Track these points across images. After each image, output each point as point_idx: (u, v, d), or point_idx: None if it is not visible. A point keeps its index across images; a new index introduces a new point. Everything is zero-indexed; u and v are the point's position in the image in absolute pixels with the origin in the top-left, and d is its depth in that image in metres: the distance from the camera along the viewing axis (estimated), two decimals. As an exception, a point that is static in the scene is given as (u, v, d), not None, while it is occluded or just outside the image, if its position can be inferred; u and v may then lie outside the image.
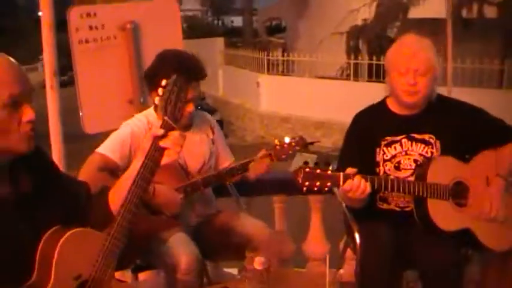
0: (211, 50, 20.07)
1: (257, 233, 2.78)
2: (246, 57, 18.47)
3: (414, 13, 14.54)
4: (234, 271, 3.62)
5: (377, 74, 14.18)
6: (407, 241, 2.66)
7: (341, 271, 3.13)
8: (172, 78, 1.95)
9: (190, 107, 2.64)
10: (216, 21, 39.38)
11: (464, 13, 13.82)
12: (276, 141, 2.99)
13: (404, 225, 2.70)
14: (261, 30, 26.34)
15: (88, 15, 3.76)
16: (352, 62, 15.30)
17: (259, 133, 16.20)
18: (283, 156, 2.95)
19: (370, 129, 2.83)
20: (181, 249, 2.55)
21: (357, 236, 2.71)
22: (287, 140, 2.99)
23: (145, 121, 2.77)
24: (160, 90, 1.93)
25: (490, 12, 14.14)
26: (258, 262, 1.95)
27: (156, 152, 1.88)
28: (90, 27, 3.77)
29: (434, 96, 2.82)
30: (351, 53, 16.19)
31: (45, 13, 3.55)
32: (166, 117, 1.90)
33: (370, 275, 2.58)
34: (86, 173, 2.54)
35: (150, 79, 2.76)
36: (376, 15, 15.97)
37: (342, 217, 3.08)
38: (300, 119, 14.98)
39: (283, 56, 17.13)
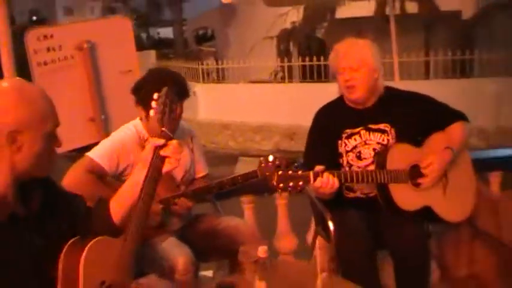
0: (144, 63, 19.85)
1: (240, 230, 2.98)
2: (179, 68, 18.51)
3: (341, 13, 15.00)
4: (209, 273, 3.76)
5: (310, 74, 14.56)
6: (376, 224, 2.93)
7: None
8: (164, 91, 2.11)
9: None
10: (141, 34, 39.14)
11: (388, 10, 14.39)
12: (261, 159, 3.13)
13: (371, 209, 2.96)
14: (191, 40, 26.38)
15: (45, 37, 3.84)
16: (286, 64, 15.57)
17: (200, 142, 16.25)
18: (267, 174, 3.10)
19: (331, 124, 3.09)
20: (176, 251, 2.70)
21: (330, 224, 2.93)
22: (271, 158, 3.13)
23: (135, 131, 2.91)
24: (154, 103, 2.08)
25: (412, 8, 14.77)
26: (261, 251, 2.13)
27: (158, 160, 2.02)
28: (48, 49, 3.86)
29: (382, 90, 3.10)
30: (282, 56, 16.54)
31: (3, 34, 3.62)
32: (164, 128, 2.05)
33: (347, 258, 2.82)
34: (74, 174, 2.66)
35: (139, 94, 2.88)
36: (304, 17, 16.37)
37: (311, 209, 3.30)
38: (239, 125, 15.12)
39: (217, 64, 17.27)
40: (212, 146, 14.20)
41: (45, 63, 3.85)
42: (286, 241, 3.92)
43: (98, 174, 2.73)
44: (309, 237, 3.88)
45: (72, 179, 2.63)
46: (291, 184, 2.58)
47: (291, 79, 15.73)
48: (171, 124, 2.07)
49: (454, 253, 3.79)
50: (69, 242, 1.88)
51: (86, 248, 1.84)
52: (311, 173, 2.63)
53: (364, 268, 2.79)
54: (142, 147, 2.84)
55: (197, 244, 2.91)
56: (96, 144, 2.97)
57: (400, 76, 12.78)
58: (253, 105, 14.86)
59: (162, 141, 2.03)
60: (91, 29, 4.10)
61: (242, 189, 3.72)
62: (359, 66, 2.97)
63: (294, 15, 16.31)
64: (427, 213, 2.99)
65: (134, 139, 2.88)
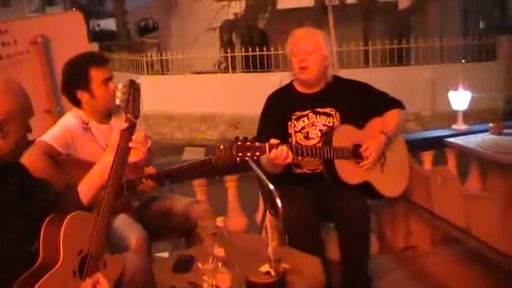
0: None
1: (194, 208, 3.22)
2: (123, 60, 18.45)
3: (281, 4, 15.28)
4: (165, 254, 3.96)
5: (253, 64, 14.80)
6: (321, 198, 3.23)
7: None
8: (127, 82, 2.34)
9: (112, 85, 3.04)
10: (81, 26, 38.35)
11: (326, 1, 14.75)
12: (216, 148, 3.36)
13: (317, 184, 3.27)
14: (133, 32, 26.17)
15: (0, 32, 3.96)
16: (229, 55, 15.74)
17: (147, 134, 16.26)
18: (221, 161, 3.30)
19: (282, 106, 3.38)
20: (129, 230, 2.91)
21: (278, 201, 3.20)
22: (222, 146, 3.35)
23: (77, 115, 3.13)
24: (118, 93, 2.31)
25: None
26: (219, 220, 2.37)
27: (125, 144, 2.24)
28: (3, 44, 3.94)
29: (330, 77, 3.40)
30: (225, 46, 16.70)
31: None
32: (129, 115, 2.28)
33: (294, 231, 3.10)
34: (30, 157, 2.74)
35: (72, 80, 3.11)
36: (246, 8, 16.60)
37: (259, 187, 3.59)
38: (185, 115, 15.26)
39: (160, 55, 17.29)
40: (158, 137, 14.29)
41: (1, 58, 3.94)
42: (236, 220, 4.20)
43: (51, 153, 2.92)
44: (258, 216, 4.18)
45: (29, 162, 2.78)
46: (248, 154, 2.81)
47: (234, 69, 15.88)
48: (135, 111, 2.30)
49: (392, 227, 4.15)
50: (48, 218, 2.07)
51: (65, 221, 2.04)
52: (267, 145, 2.89)
53: (310, 239, 3.07)
54: (85, 129, 3.10)
55: (153, 223, 3.12)
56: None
57: (341, 64, 13.17)
58: (197, 96, 15.00)
59: (126, 125, 2.25)
60: (45, 23, 4.21)
61: (192, 175, 3.99)
62: (313, 50, 3.28)
63: (236, 7, 16.50)
64: (367, 189, 3.31)
65: (78, 122, 3.10)
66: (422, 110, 13.04)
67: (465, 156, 4.42)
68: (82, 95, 3.10)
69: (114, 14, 26.15)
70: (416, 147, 4.48)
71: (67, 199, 2.28)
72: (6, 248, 1.97)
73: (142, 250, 2.87)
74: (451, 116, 5.12)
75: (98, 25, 40.02)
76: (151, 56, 17.56)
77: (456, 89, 4.77)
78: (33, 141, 2.89)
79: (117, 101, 2.31)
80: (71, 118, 3.13)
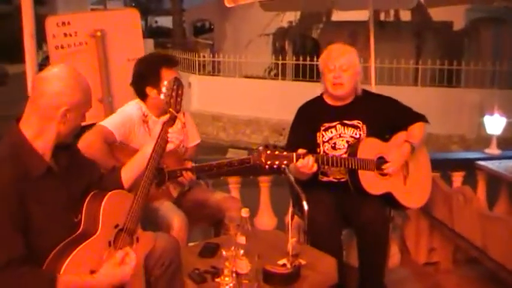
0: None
1: (227, 202, 3.45)
2: (176, 58, 18.81)
3: (337, 16, 15.41)
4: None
5: (303, 73, 14.98)
6: (344, 205, 3.41)
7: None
8: (172, 79, 2.60)
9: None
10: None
11: (382, 16, 14.84)
12: (255, 149, 3.57)
13: (341, 193, 3.45)
14: (189, 31, 26.65)
15: (63, 23, 4.25)
16: (280, 62, 15.93)
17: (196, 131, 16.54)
18: (258, 162, 3.52)
19: (312, 117, 3.58)
20: (172, 213, 3.17)
21: (304, 203, 3.41)
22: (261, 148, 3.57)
23: (139, 107, 3.39)
24: (164, 89, 2.59)
25: (405, 15, 15.24)
26: (244, 211, 2.59)
27: (164, 134, 2.52)
28: (65, 34, 4.26)
29: (360, 91, 3.59)
30: (277, 53, 16.95)
31: (27, 23, 4.02)
32: (170, 109, 2.54)
33: (317, 232, 3.28)
34: (88, 138, 3.08)
35: (148, 77, 3.36)
36: (301, 18, 16.80)
37: (289, 190, 3.79)
38: (231, 118, 15.53)
39: (213, 56, 17.61)
40: (203, 136, 14.52)
41: (62, 47, 4.26)
42: (266, 219, 4.40)
43: (108, 140, 3.19)
44: (287, 219, 4.38)
45: (86, 142, 3.06)
46: (276, 162, 3.02)
47: (284, 76, 16.11)
48: (176, 106, 2.56)
49: (416, 241, 4.29)
50: (92, 193, 2.34)
51: (107, 196, 2.30)
52: (294, 154, 3.09)
53: (330, 242, 3.23)
54: (144, 121, 3.34)
55: (189, 211, 3.34)
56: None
57: (389, 81, 13.24)
58: (245, 99, 15.30)
59: (167, 117, 2.54)
60: (104, 18, 4.51)
61: (231, 171, 4.21)
62: (348, 67, 3.47)
63: (291, 15, 16.72)
64: (389, 200, 3.48)
65: (139, 114, 3.36)
66: (467, 133, 13.00)
67: (496, 180, 4.52)
68: (150, 91, 3.36)
69: (171, 12, 26.59)
70: (448, 166, 4.61)
71: (110, 180, 2.56)
72: (54, 216, 2.22)
73: (184, 232, 3.14)
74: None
75: (156, 22, 40.85)
76: (204, 57, 17.89)
77: (492, 114, 4.87)
78: (91, 125, 3.18)
79: (162, 96, 2.56)
80: (132, 108, 3.39)
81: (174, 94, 2.57)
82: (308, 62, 14.84)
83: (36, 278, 2.07)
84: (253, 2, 4.43)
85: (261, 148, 3.44)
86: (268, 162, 3.02)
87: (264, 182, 4.40)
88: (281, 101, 14.37)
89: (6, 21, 36.74)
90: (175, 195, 3.42)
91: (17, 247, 2.05)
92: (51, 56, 4.22)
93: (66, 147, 2.37)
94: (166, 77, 3.28)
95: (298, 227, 3.74)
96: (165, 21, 35.08)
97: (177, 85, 2.60)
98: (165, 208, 3.22)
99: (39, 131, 2.21)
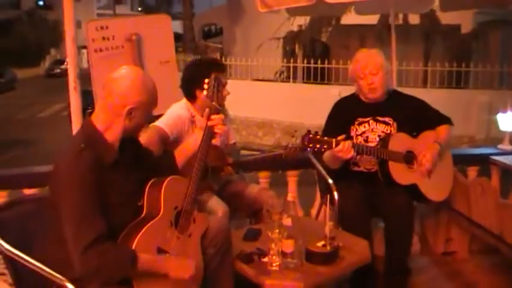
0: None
1: (263, 194, 3.72)
2: (187, 62, 18.95)
3: (346, 20, 15.60)
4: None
5: (314, 76, 15.19)
6: (373, 194, 3.68)
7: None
8: (212, 76, 2.90)
9: (226, 92, 3.40)
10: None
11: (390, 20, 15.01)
12: (286, 145, 3.79)
13: (370, 183, 3.73)
14: (198, 35, 26.88)
15: (102, 28, 4.45)
16: (290, 65, 16.16)
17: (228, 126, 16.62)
18: (289, 156, 3.82)
19: (347, 112, 3.87)
20: (217, 204, 3.44)
21: (335, 193, 3.67)
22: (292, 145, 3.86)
23: (187, 108, 3.65)
24: (205, 85, 2.89)
25: (414, 19, 15.45)
26: (290, 196, 2.86)
27: (209, 125, 2.82)
28: (103, 38, 4.46)
29: (390, 90, 3.90)
30: (287, 56, 17.19)
31: (68, 28, 4.27)
32: (214, 103, 2.84)
33: (347, 223, 3.54)
34: (147, 136, 3.30)
35: (196, 80, 3.57)
36: (311, 21, 17.03)
37: (318, 181, 4.06)
38: (244, 120, 15.72)
39: (225, 60, 17.82)
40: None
41: (101, 50, 4.46)
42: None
43: (163, 139, 3.46)
44: (313, 211, 4.64)
45: (145, 140, 3.31)
46: (317, 146, 3.31)
47: (294, 79, 16.33)
48: (219, 100, 2.87)
49: (434, 232, 4.53)
50: (152, 180, 2.61)
51: (165, 182, 2.58)
52: (334, 140, 3.37)
53: (361, 230, 3.46)
54: (192, 122, 3.60)
55: (229, 202, 3.58)
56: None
57: (399, 83, 13.39)
58: (257, 102, 15.49)
59: (208, 110, 2.84)
60: (139, 23, 4.73)
61: (261, 166, 4.49)
62: (378, 70, 3.74)
63: (301, 19, 16.91)
64: (414, 193, 3.74)
65: (187, 115, 3.62)
66: (476, 134, 13.20)
67: (509, 174, 4.76)
68: (200, 94, 3.59)
69: (180, 17, 26.76)
70: (463, 161, 4.86)
71: (166, 163, 2.88)
72: (123, 200, 2.50)
73: (226, 218, 3.39)
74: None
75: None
76: (216, 60, 18.00)
77: (505, 111, 5.12)
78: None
79: (204, 92, 2.87)
80: (181, 109, 3.65)
81: (215, 90, 2.87)
82: (319, 65, 15.05)
83: (120, 253, 2.36)
84: (285, 7, 4.65)
85: (290, 145, 3.74)
86: (310, 145, 3.29)
87: (292, 176, 4.66)
88: (292, 103, 14.58)
89: (15, 26, 37.18)
90: (216, 188, 3.69)
91: (100, 226, 2.33)
92: (90, 58, 4.45)
93: (131, 140, 2.65)
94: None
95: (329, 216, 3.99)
96: (173, 26, 35.35)
97: (218, 83, 2.90)
98: (211, 200, 3.49)
99: (108, 125, 2.49)
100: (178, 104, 3.71)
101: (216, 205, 3.41)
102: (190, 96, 3.67)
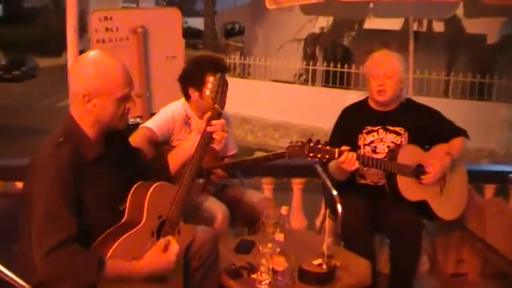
0: (171, 51, 20.38)
1: (261, 202, 3.50)
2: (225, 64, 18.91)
3: (368, 24, 15.38)
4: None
5: (333, 80, 14.99)
6: (379, 209, 3.43)
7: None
8: (218, 75, 2.64)
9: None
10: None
11: (415, 26, 14.79)
12: (289, 142, 3.61)
13: (377, 197, 3.48)
14: (220, 33, 26.82)
15: (106, 18, 4.27)
16: (310, 68, 15.98)
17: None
18: (293, 156, 3.54)
19: (355, 119, 3.62)
20: (216, 206, 3.25)
21: (339, 206, 3.44)
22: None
23: (182, 109, 3.44)
24: (209, 85, 2.63)
25: (439, 27, 15.17)
26: (283, 209, 2.63)
27: (208, 131, 2.57)
28: (107, 29, 4.28)
29: (403, 99, 3.61)
30: (307, 59, 16.99)
31: (70, 17, 4.09)
32: (216, 105, 2.58)
33: (350, 235, 3.31)
34: (134, 139, 3.11)
35: (193, 77, 3.41)
36: (333, 24, 16.82)
37: (323, 192, 3.82)
38: (260, 121, 15.59)
39: (244, 59, 17.68)
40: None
41: (103, 41, 4.29)
42: (297, 220, 4.42)
43: (152, 141, 3.25)
44: (318, 221, 4.41)
45: (132, 141, 3.12)
46: (319, 155, 3.08)
47: (313, 82, 16.17)
48: (221, 102, 2.60)
49: (445, 251, 4.28)
50: (137, 183, 2.40)
51: (151, 188, 2.36)
52: (337, 150, 3.14)
53: (363, 247, 3.25)
54: (186, 122, 3.39)
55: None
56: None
57: (420, 92, 13.17)
58: (274, 103, 15.30)
59: (210, 113, 2.60)
60: (145, 15, 4.54)
61: (265, 171, 4.26)
62: (392, 74, 3.48)
63: (323, 21, 16.72)
64: (423, 209, 3.49)
65: (181, 115, 3.41)
66: (497, 148, 12.91)
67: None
68: (193, 93, 3.41)
69: (203, 14, 26.78)
70: (480, 178, 4.60)
71: (158, 168, 2.66)
72: (102, 201, 2.29)
73: (226, 223, 3.23)
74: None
75: (186, 22, 41.12)
76: (234, 59, 17.96)
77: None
78: (134, 125, 3.26)
79: (207, 92, 2.61)
80: (175, 109, 3.45)
81: (219, 90, 2.62)
82: (339, 69, 14.87)
83: (87, 257, 2.14)
84: (295, 4, 4.44)
85: (294, 142, 3.49)
86: (311, 155, 3.08)
87: (297, 184, 4.44)
88: (310, 106, 14.40)
89: (39, 16, 37.39)
90: (211, 190, 3.48)
91: (71, 228, 2.13)
92: (92, 49, 4.27)
93: (119, 137, 2.46)
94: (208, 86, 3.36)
95: (330, 230, 3.77)
96: (196, 23, 35.37)
97: (223, 83, 2.64)
98: (208, 201, 3.30)
99: (79, 117, 2.31)
100: (175, 103, 3.52)
101: (215, 206, 3.23)
102: (185, 94, 3.48)
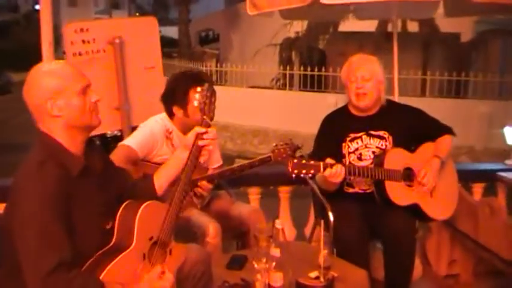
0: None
1: (251, 215, 3.40)
2: (182, 68, 18.82)
3: (343, 27, 15.38)
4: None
5: (311, 83, 14.94)
6: (370, 216, 3.36)
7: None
8: (206, 86, 2.53)
9: None
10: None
11: (390, 27, 14.82)
12: (273, 146, 3.53)
13: (367, 204, 3.40)
14: (195, 41, 26.70)
15: (81, 30, 4.15)
16: (287, 72, 15.88)
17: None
18: (279, 159, 3.48)
19: (337, 128, 3.54)
20: (205, 219, 3.14)
21: (330, 215, 3.35)
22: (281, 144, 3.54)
23: (162, 123, 3.33)
24: (197, 96, 2.51)
25: (413, 27, 15.21)
26: (278, 223, 2.54)
27: (198, 145, 2.45)
28: (83, 41, 4.15)
29: (384, 101, 3.54)
30: (284, 63, 16.92)
31: (45, 31, 3.97)
32: (205, 117, 2.48)
33: (344, 244, 3.23)
34: (114, 160, 3.03)
35: (174, 96, 3.31)
36: (308, 28, 16.78)
37: (313, 201, 3.74)
38: (238, 128, 15.45)
39: (220, 66, 17.59)
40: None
41: (80, 54, 4.16)
42: (286, 230, 4.29)
43: (132, 159, 3.14)
44: (307, 230, 4.32)
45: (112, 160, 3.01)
46: (303, 171, 2.99)
47: (291, 87, 16.07)
48: (210, 113, 2.49)
49: (437, 253, 4.24)
50: (125, 203, 2.29)
51: (141, 208, 2.25)
52: (321, 164, 3.06)
53: (358, 255, 3.18)
54: (167, 137, 3.28)
55: None
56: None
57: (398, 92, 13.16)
58: (252, 110, 15.18)
59: (203, 129, 2.46)
60: (122, 26, 4.41)
61: (251, 181, 4.16)
62: (370, 77, 3.42)
63: (298, 25, 16.66)
64: (415, 211, 3.42)
65: (162, 130, 3.31)
66: (475, 144, 12.94)
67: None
68: (177, 111, 3.33)
69: (177, 22, 26.68)
70: (468, 178, 4.56)
71: (143, 188, 2.53)
72: (89, 219, 2.19)
73: (219, 237, 3.12)
74: (505, 153, 5.17)
75: (160, 31, 41.05)
76: (210, 66, 17.86)
77: (512, 125, 4.85)
78: (114, 137, 3.13)
79: (195, 103, 2.50)
80: (156, 124, 3.35)
81: (207, 101, 2.51)
82: (316, 73, 14.81)
83: (87, 281, 2.04)
84: (276, 9, 4.36)
85: (279, 144, 3.42)
86: (295, 171, 2.99)
87: (284, 193, 4.35)
88: (289, 111, 14.32)
89: (12, 29, 37.02)
90: (199, 206, 3.37)
91: (66, 248, 2.03)
92: (68, 63, 4.15)
93: (96, 147, 2.37)
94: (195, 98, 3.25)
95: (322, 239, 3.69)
96: (170, 32, 35.23)
97: (211, 92, 2.54)
98: (197, 215, 3.20)
99: (53, 130, 2.21)
100: (154, 117, 3.42)
101: (205, 220, 3.13)
102: (168, 113, 3.38)
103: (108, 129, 4.47)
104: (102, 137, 8.69)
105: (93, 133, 4.27)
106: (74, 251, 2.06)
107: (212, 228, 3.10)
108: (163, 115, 3.40)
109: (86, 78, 2.26)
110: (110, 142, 8.50)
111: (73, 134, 2.22)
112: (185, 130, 3.31)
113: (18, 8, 40.64)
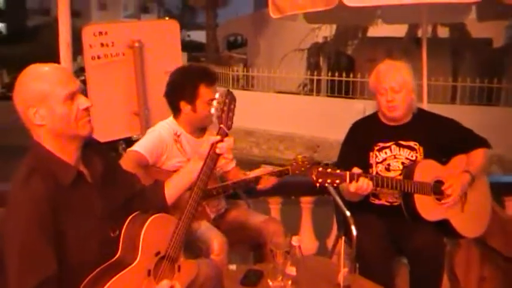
0: (174, 65, 20.28)
1: (269, 226, 3.24)
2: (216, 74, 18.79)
3: (372, 32, 15.17)
4: (233, 267, 3.98)
5: (338, 89, 14.76)
6: (396, 231, 3.17)
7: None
8: (224, 91, 2.38)
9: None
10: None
11: (420, 32, 14.58)
12: (293, 159, 3.39)
13: (393, 217, 3.21)
14: (222, 45, 26.67)
15: (100, 33, 4.06)
16: (314, 78, 15.78)
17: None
18: (297, 172, 3.35)
19: (365, 136, 3.34)
20: (211, 234, 2.98)
21: (353, 228, 3.18)
22: (300, 158, 3.39)
23: (169, 128, 3.20)
24: (214, 102, 2.35)
25: (443, 32, 14.95)
26: (295, 239, 2.39)
27: (214, 155, 2.30)
28: (102, 44, 4.08)
29: (415, 109, 3.34)
30: (311, 69, 16.81)
31: (63, 32, 3.88)
32: (222, 125, 2.32)
33: (367, 261, 3.03)
34: (123, 166, 2.92)
35: (183, 91, 3.17)
36: (336, 33, 16.62)
37: (335, 213, 3.56)
38: (264, 133, 15.36)
39: (247, 71, 17.51)
40: (235, 151, 14.38)
41: (99, 57, 4.08)
42: (307, 242, 4.17)
43: (142, 164, 3.01)
44: (330, 242, 4.15)
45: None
46: (328, 180, 2.84)
47: (318, 93, 15.96)
48: (228, 121, 2.34)
49: (466, 270, 4.02)
50: (133, 214, 2.16)
51: (148, 221, 2.11)
52: (348, 173, 2.89)
53: (381, 271, 3.00)
54: (176, 141, 3.14)
55: (227, 233, 3.14)
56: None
57: (427, 99, 12.92)
58: (279, 115, 15.09)
59: (218, 138, 2.31)
60: (142, 29, 4.33)
61: (271, 190, 3.99)
62: (400, 88, 3.21)
63: (326, 30, 16.54)
64: (444, 227, 3.23)
65: (170, 134, 3.17)
66: (506, 153, 12.62)
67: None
68: (184, 107, 3.17)
69: (205, 27, 26.70)
70: (501, 191, 4.33)
71: (153, 195, 2.40)
72: (88, 228, 2.06)
73: (224, 254, 2.95)
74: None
75: (188, 36, 41.07)
76: (237, 71, 17.79)
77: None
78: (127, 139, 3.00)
79: (212, 110, 2.35)
80: (163, 129, 3.20)
81: (225, 109, 2.35)
82: (343, 78, 14.65)
83: None
84: (300, 12, 4.20)
85: (299, 157, 3.26)
86: (320, 180, 2.83)
87: (306, 203, 4.18)
88: (315, 117, 14.19)
89: (43, 33, 37.42)
90: (212, 216, 3.23)
91: (49, 266, 1.91)
92: (86, 66, 4.05)
93: (100, 153, 2.24)
94: (204, 95, 3.12)
95: (345, 253, 3.52)
96: (198, 36, 35.29)
97: (230, 99, 2.38)
98: (204, 228, 3.05)
99: (42, 138, 2.08)
100: (161, 122, 3.28)
101: (210, 235, 2.97)
102: (174, 109, 3.23)
103: (126, 134, 4.36)
104: (128, 140, 8.65)
105: (117, 137, 4.16)
106: (67, 267, 1.95)
107: (217, 244, 2.94)
108: (170, 119, 3.27)
109: (74, 84, 2.10)
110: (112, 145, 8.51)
111: (62, 142, 2.08)
112: (192, 129, 3.22)
113: (50, 11, 41.07)
